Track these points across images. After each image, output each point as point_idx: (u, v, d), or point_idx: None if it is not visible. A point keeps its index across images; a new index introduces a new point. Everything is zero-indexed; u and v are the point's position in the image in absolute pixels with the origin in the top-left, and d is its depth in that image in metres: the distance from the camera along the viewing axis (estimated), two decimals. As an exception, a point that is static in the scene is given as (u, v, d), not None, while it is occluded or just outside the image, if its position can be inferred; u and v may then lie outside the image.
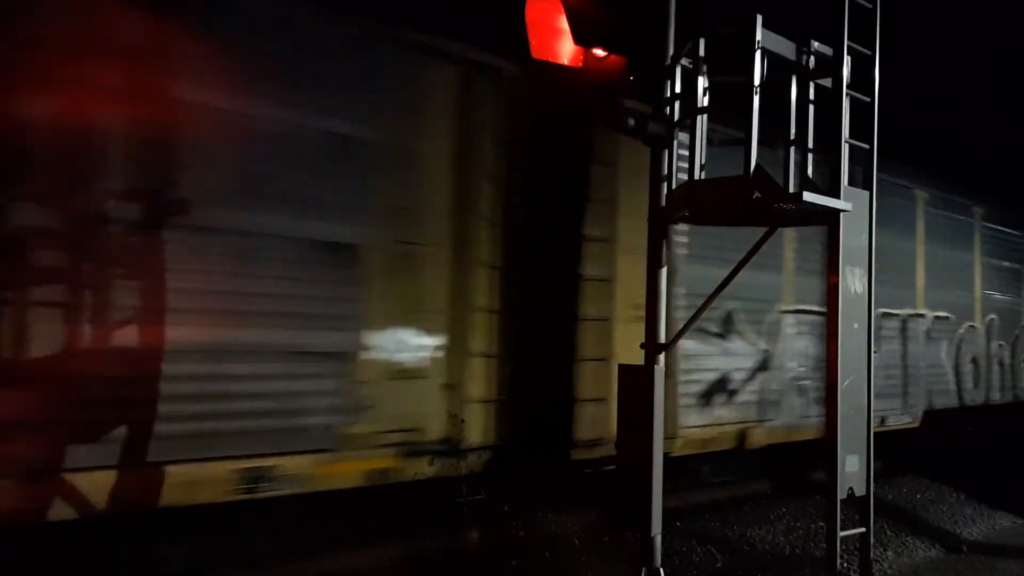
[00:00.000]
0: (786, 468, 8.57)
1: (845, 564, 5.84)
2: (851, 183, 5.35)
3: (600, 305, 6.39)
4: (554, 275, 6.20)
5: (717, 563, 6.42)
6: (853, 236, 5.26)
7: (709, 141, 5.16)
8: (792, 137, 5.07)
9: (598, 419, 6.25)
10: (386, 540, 5.40)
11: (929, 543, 7.37)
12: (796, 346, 8.21)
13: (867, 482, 5.30)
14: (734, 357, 7.56)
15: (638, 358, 5.33)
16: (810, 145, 5.11)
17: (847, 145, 5.24)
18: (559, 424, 6.15)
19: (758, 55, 4.67)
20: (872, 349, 5.43)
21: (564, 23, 4.66)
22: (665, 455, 5.10)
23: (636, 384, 5.09)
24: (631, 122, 4.92)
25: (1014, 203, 12.31)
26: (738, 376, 7.59)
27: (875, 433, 5.47)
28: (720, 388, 7.40)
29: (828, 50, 5.12)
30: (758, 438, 7.79)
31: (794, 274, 8.19)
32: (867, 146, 5.57)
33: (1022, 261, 12.58)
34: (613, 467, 5.59)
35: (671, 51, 5.11)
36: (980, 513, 8.54)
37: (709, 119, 5.21)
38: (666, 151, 5.16)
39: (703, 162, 5.10)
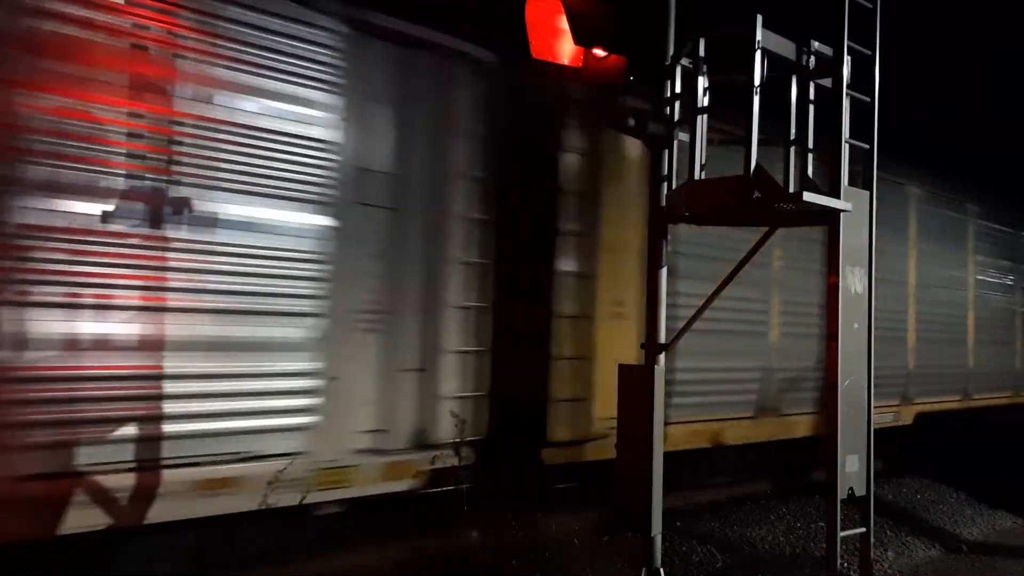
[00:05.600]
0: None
1: (845, 564, 5.84)
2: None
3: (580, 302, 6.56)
4: (531, 271, 6.35)
5: (717, 563, 6.42)
6: (853, 236, 5.25)
7: (710, 141, 5.16)
8: (792, 137, 5.07)
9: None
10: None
11: (929, 543, 7.37)
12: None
13: (867, 482, 5.30)
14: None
15: (619, 354, 5.74)
16: (810, 145, 5.11)
17: (847, 145, 5.24)
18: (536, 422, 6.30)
19: (758, 55, 4.67)
20: (872, 349, 5.42)
21: (564, 23, 4.66)
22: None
23: (636, 384, 5.09)
24: (631, 122, 4.93)
25: None
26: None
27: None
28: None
29: (828, 50, 5.12)
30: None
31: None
32: (867, 146, 5.57)
33: None
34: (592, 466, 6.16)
35: (671, 51, 5.11)
36: (980, 513, 8.54)
37: (712, 119, 5.21)
38: (666, 151, 5.17)
39: (703, 162, 5.10)
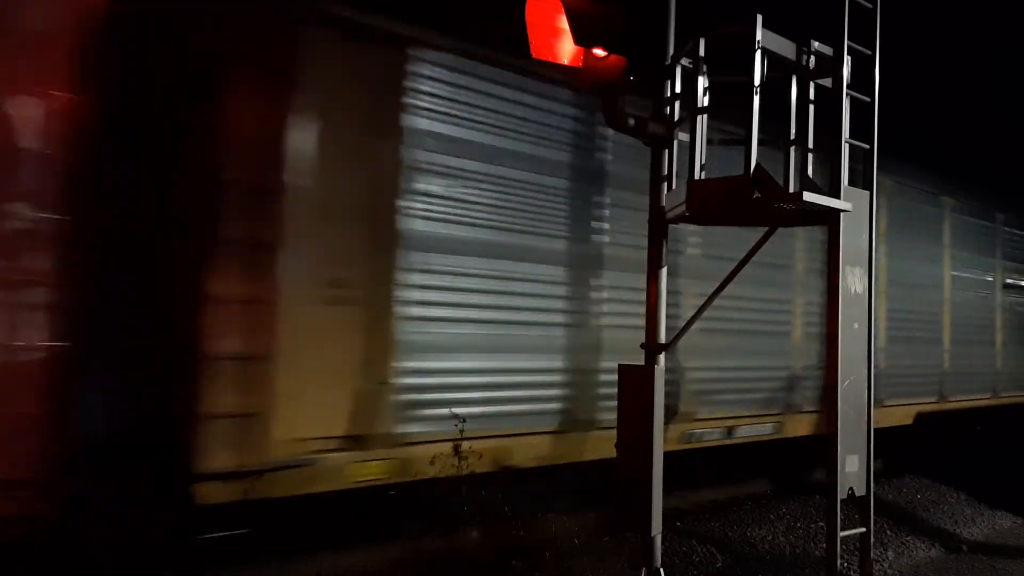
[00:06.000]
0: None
1: (845, 564, 5.84)
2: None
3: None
4: (162, 233, 4.69)
5: (717, 563, 6.42)
6: (853, 236, 5.25)
7: (710, 141, 5.15)
8: (792, 137, 5.07)
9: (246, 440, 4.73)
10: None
11: (929, 543, 7.36)
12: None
13: (867, 482, 5.29)
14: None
15: (338, 352, 4.92)
16: (810, 145, 5.11)
17: (847, 145, 5.24)
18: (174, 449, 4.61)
19: (758, 55, 4.67)
20: (872, 349, 5.42)
21: (564, 23, 4.65)
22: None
23: (636, 384, 5.09)
24: (631, 122, 4.93)
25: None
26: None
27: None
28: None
29: (828, 50, 5.12)
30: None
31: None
32: (867, 146, 5.57)
33: None
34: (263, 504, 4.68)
35: (671, 51, 5.11)
36: (980, 513, 8.54)
37: (711, 119, 5.21)
38: (666, 151, 5.16)
39: (703, 162, 5.10)
